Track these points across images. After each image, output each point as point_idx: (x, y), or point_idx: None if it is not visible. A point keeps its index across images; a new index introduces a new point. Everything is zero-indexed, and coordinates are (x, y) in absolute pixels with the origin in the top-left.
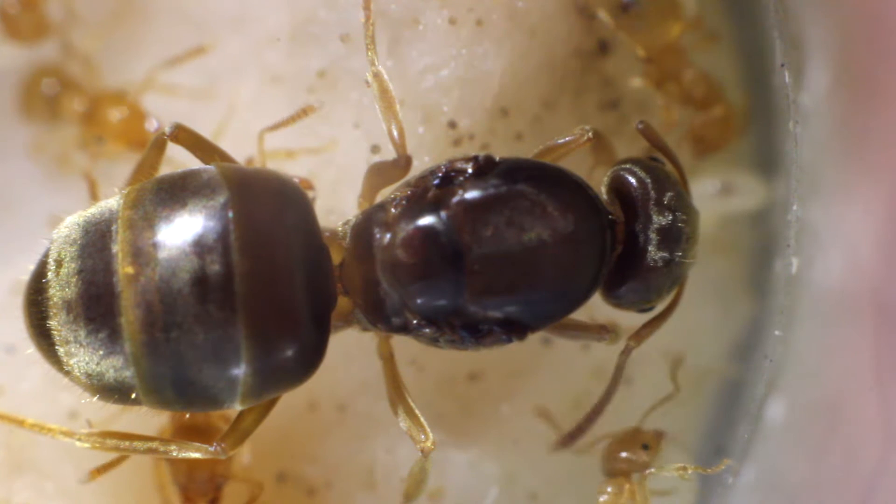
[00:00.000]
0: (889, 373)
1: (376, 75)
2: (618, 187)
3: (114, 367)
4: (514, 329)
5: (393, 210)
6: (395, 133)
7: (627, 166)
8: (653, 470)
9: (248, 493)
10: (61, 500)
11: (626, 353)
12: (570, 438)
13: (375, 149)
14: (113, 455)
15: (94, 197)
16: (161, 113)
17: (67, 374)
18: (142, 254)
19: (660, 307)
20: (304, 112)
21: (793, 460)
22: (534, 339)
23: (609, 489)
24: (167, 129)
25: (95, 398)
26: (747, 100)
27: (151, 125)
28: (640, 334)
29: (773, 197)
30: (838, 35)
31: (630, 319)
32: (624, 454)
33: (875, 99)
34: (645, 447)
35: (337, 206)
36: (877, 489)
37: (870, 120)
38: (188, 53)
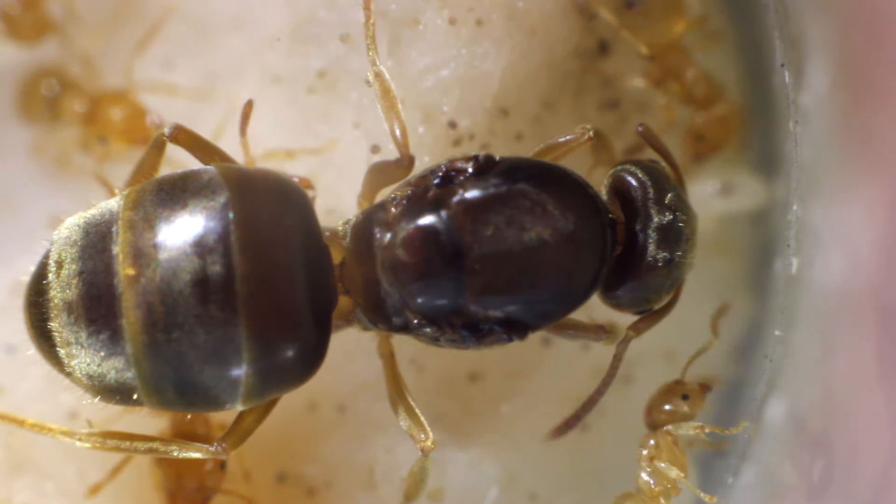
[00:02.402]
0: (891, 372)
1: (378, 75)
2: (618, 188)
3: (115, 368)
4: (515, 328)
5: (393, 209)
6: (398, 133)
7: (627, 167)
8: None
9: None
10: (61, 500)
11: (624, 342)
12: (566, 427)
13: (375, 149)
14: (114, 456)
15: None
16: (161, 113)
17: (69, 375)
18: (142, 255)
19: (657, 306)
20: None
21: (793, 460)
22: (534, 339)
23: (651, 442)
24: (166, 130)
25: (97, 399)
26: (747, 99)
27: (153, 122)
28: (638, 326)
29: (773, 197)
30: (838, 35)
31: (629, 320)
32: (666, 406)
33: (875, 99)
34: (685, 397)
35: (337, 206)
36: (877, 489)
37: (870, 120)
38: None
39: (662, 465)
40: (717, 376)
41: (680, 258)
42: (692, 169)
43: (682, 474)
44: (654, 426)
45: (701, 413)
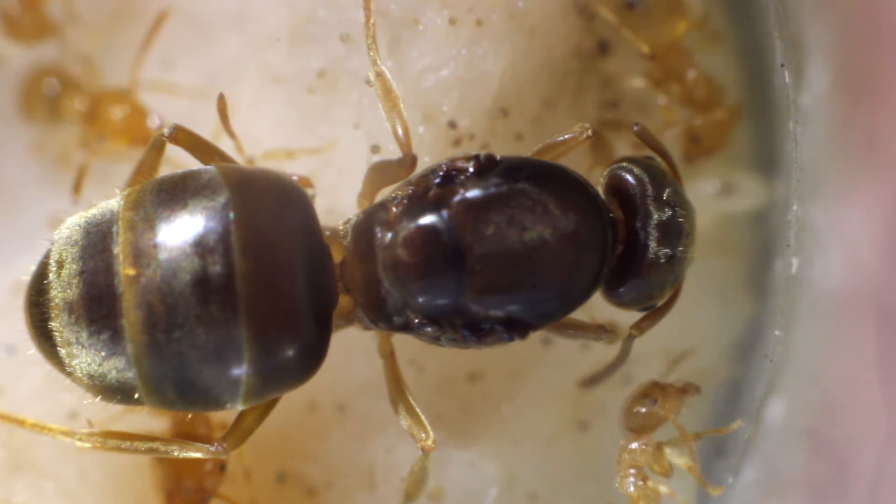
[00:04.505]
0: (890, 373)
1: (379, 75)
2: (616, 186)
3: (116, 368)
4: (516, 328)
5: (394, 209)
6: (401, 132)
7: (624, 165)
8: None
9: None
10: (61, 500)
11: (629, 341)
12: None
13: (375, 149)
14: (114, 456)
15: (77, 186)
16: (161, 113)
17: (69, 375)
18: (143, 255)
19: (660, 303)
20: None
21: (793, 460)
22: (534, 339)
23: (632, 446)
24: (166, 131)
25: (97, 399)
26: (747, 100)
27: (153, 122)
28: (641, 325)
29: (773, 197)
30: (838, 35)
31: (630, 319)
32: (641, 409)
33: (875, 99)
34: (653, 402)
35: (337, 206)
36: (877, 490)
37: (870, 120)
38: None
39: (648, 480)
40: (696, 385)
41: (681, 253)
42: (686, 169)
43: (670, 491)
44: (632, 429)
45: (700, 413)
